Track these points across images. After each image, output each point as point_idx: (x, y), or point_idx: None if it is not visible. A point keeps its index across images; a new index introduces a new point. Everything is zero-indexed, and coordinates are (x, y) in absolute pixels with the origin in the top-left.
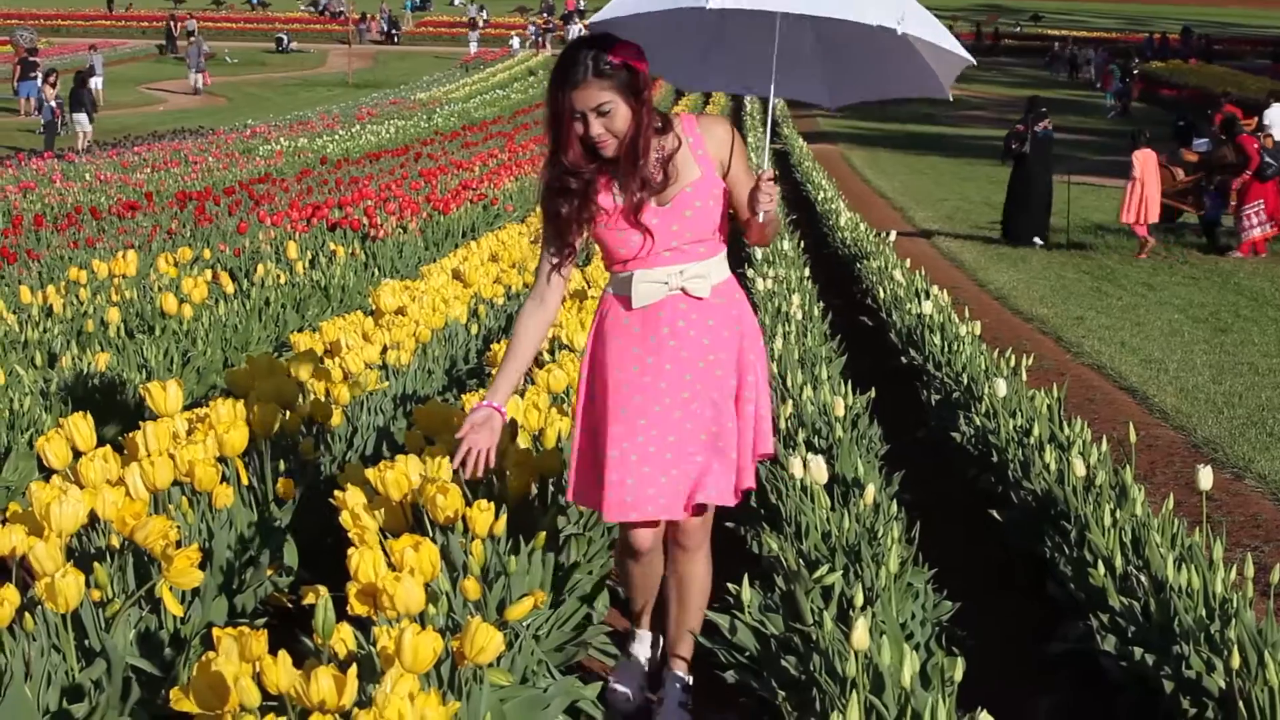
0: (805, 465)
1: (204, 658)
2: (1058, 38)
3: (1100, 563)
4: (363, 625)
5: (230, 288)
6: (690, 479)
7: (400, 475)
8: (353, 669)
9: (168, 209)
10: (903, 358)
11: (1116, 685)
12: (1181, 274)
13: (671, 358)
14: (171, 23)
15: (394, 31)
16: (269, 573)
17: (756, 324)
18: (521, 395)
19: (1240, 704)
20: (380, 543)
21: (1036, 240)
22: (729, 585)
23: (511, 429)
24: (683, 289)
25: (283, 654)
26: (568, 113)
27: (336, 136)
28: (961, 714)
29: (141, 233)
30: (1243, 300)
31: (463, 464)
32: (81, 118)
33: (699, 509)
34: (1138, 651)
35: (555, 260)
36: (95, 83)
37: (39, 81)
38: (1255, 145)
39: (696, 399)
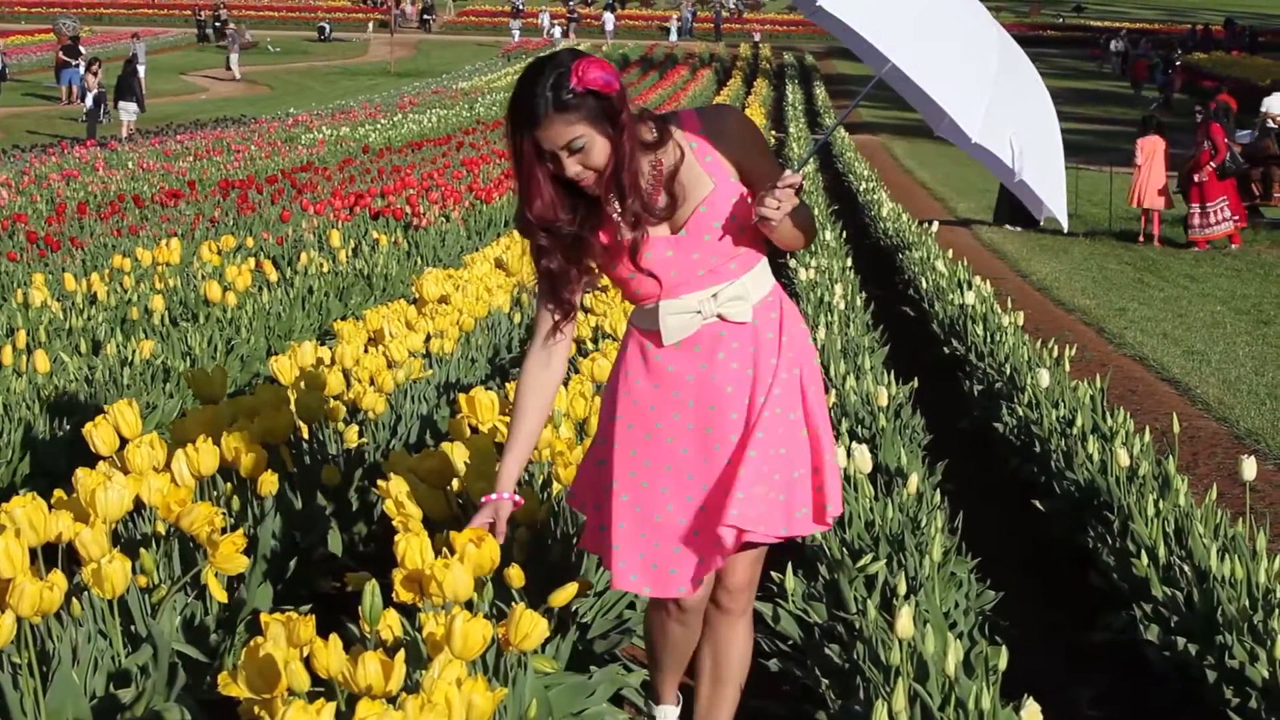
0: (850, 454)
1: (253, 642)
2: (1102, 29)
3: (1143, 553)
4: (407, 612)
5: (274, 276)
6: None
7: (444, 463)
8: (400, 654)
9: (210, 197)
10: (945, 348)
11: (1159, 675)
12: (1224, 266)
13: (715, 397)
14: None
15: (428, 18)
16: (313, 560)
17: (806, 333)
18: (566, 385)
19: None
20: (427, 530)
21: (1008, 226)
22: (773, 574)
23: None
24: (719, 316)
25: (334, 638)
26: (529, 158)
27: (379, 125)
28: (1004, 703)
29: (184, 221)
30: None
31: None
32: (130, 106)
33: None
34: (1181, 641)
35: (556, 316)
36: (139, 71)
37: (80, 70)
38: (1224, 139)
39: (727, 439)
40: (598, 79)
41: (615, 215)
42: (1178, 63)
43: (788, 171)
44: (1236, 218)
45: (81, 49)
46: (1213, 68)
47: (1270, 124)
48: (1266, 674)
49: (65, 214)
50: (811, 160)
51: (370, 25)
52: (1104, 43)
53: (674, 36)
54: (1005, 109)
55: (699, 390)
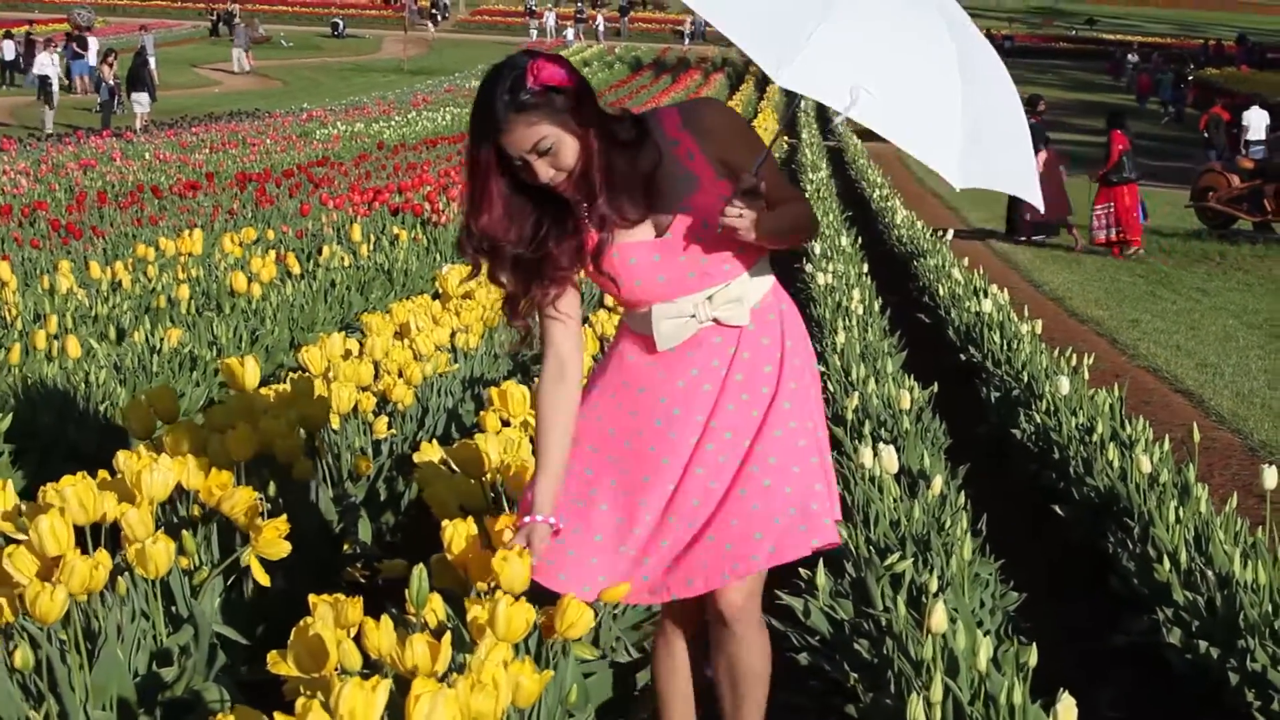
0: (876, 455)
1: (302, 622)
2: (1113, 43)
3: (1165, 558)
4: (447, 598)
5: (296, 268)
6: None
7: (480, 453)
8: (447, 636)
9: (228, 189)
10: (961, 355)
11: (1180, 678)
12: (1236, 280)
13: (705, 408)
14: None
15: (436, 13)
16: (342, 548)
17: (805, 332)
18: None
19: None
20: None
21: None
22: (800, 570)
23: None
24: (715, 320)
25: (385, 619)
26: (485, 169)
27: (393, 122)
28: (1032, 699)
29: (203, 212)
30: None
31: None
32: (142, 97)
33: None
34: (1203, 645)
35: (547, 336)
36: (150, 63)
37: (90, 60)
38: (1120, 146)
39: (722, 450)
40: (555, 75)
41: (586, 219)
42: (1190, 78)
43: (744, 175)
44: (1119, 228)
45: (89, 40)
46: (1224, 83)
47: None
48: None
49: (85, 203)
50: (825, 166)
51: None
52: (1119, 56)
53: (688, 41)
54: (981, 133)
55: (690, 399)
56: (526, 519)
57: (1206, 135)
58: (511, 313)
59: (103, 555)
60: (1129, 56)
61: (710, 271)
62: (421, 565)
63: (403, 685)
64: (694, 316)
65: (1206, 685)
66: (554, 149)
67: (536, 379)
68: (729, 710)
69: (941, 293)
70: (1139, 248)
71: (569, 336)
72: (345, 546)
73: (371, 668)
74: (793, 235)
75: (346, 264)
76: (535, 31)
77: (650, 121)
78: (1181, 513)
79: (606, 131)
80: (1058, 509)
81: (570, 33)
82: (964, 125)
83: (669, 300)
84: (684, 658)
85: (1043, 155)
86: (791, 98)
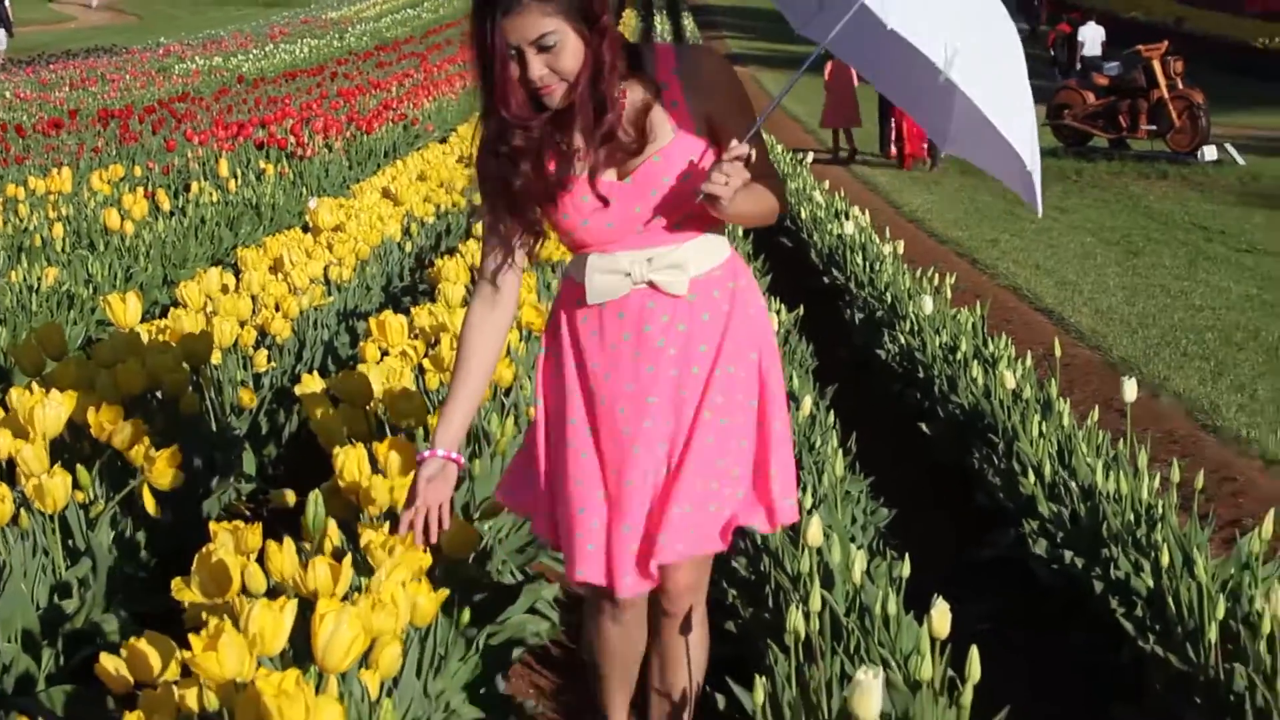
0: None
1: (204, 549)
2: None
3: (1030, 471)
4: (339, 526)
5: (167, 205)
6: (641, 534)
7: (364, 383)
8: (348, 558)
9: (91, 127)
10: (825, 278)
11: (1046, 589)
12: (1092, 197)
13: (632, 374)
14: None
15: None
16: (226, 480)
17: (763, 313)
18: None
19: (1170, 601)
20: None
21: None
22: None
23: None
24: (650, 283)
25: (288, 541)
26: (498, 50)
27: (251, 55)
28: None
29: (68, 150)
30: (1153, 224)
31: (411, 528)
32: None
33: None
34: (1068, 555)
35: (503, 251)
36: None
37: None
38: None
39: (659, 430)
40: None
41: (560, 142)
42: None
43: (733, 142)
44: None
45: None
46: None
47: (1139, 55)
48: (1151, 584)
49: None
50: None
51: None
52: None
53: None
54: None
55: (616, 363)
56: (426, 453)
57: (1053, 53)
58: (512, 218)
59: (4, 489)
60: None
61: (658, 230)
62: (318, 491)
63: (304, 609)
64: (629, 275)
65: (1072, 595)
66: (557, 48)
67: (413, 310)
68: (655, 701)
69: (804, 216)
70: (924, 159)
71: (510, 274)
72: (231, 478)
73: (272, 594)
74: (759, 219)
75: (215, 200)
76: None
77: (645, 55)
78: (1045, 427)
79: (617, 44)
80: (924, 427)
81: None
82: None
83: (607, 251)
84: (639, 627)
85: (830, 65)
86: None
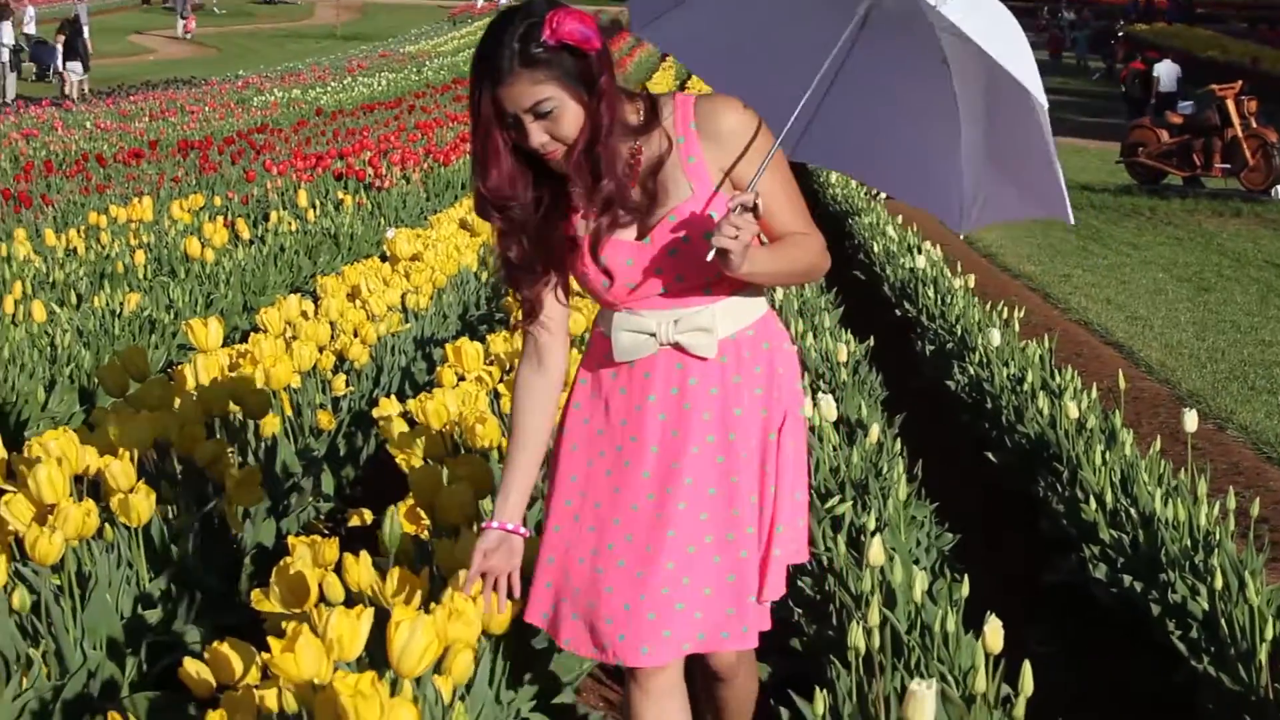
0: (815, 405)
1: (283, 562)
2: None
3: (1092, 499)
4: (416, 543)
5: (246, 234)
6: (671, 607)
7: (440, 405)
8: (425, 570)
9: (171, 157)
10: (896, 310)
11: (1106, 612)
12: (1165, 234)
13: (659, 437)
14: None
15: None
16: (305, 501)
17: (796, 377)
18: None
19: (1222, 623)
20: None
21: None
22: None
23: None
24: (676, 344)
25: (364, 554)
26: (488, 120)
27: (329, 88)
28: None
29: (149, 180)
30: (1225, 261)
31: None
32: (76, 66)
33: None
34: (1127, 579)
35: (529, 304)
36: (84, 32)
37: (28, 29)
38: None
39: (685, 497)
40: (574, 32)
41: (579, 200)
42: (1120, 34)
43: (733, 192)
44: None
45: (13, 7)
46: (1154, 38)
47: (1214, 94)
48: (1206, 607)
49: (32, 172)
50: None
51: None
52: (1046, 14)
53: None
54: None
55: (642, 424)
56: (493, 524)
57: (1124, 90)
58: (515, 288)
59: (90, 504)
60: (1062, 13)
61: (684, 292)
62: (394, 507)
63: (380, 620)
64: (654, 336)
65: (1131, 618)
66: (554, 114)
67: (489, 337)
68: None
69: (876, 250)
70: None
71: (547, 334)
72: (310, 499)
73: (348, 605)
74: (787, 278)
75: (294, 229)
76: None
77: (664, 106)
78: (1108, 456)
79: (617, 110)
80: (990, 456)
81: None
82: (969, 170)
83: (635, 310)
84: (672, 698)
85: None
86: None
